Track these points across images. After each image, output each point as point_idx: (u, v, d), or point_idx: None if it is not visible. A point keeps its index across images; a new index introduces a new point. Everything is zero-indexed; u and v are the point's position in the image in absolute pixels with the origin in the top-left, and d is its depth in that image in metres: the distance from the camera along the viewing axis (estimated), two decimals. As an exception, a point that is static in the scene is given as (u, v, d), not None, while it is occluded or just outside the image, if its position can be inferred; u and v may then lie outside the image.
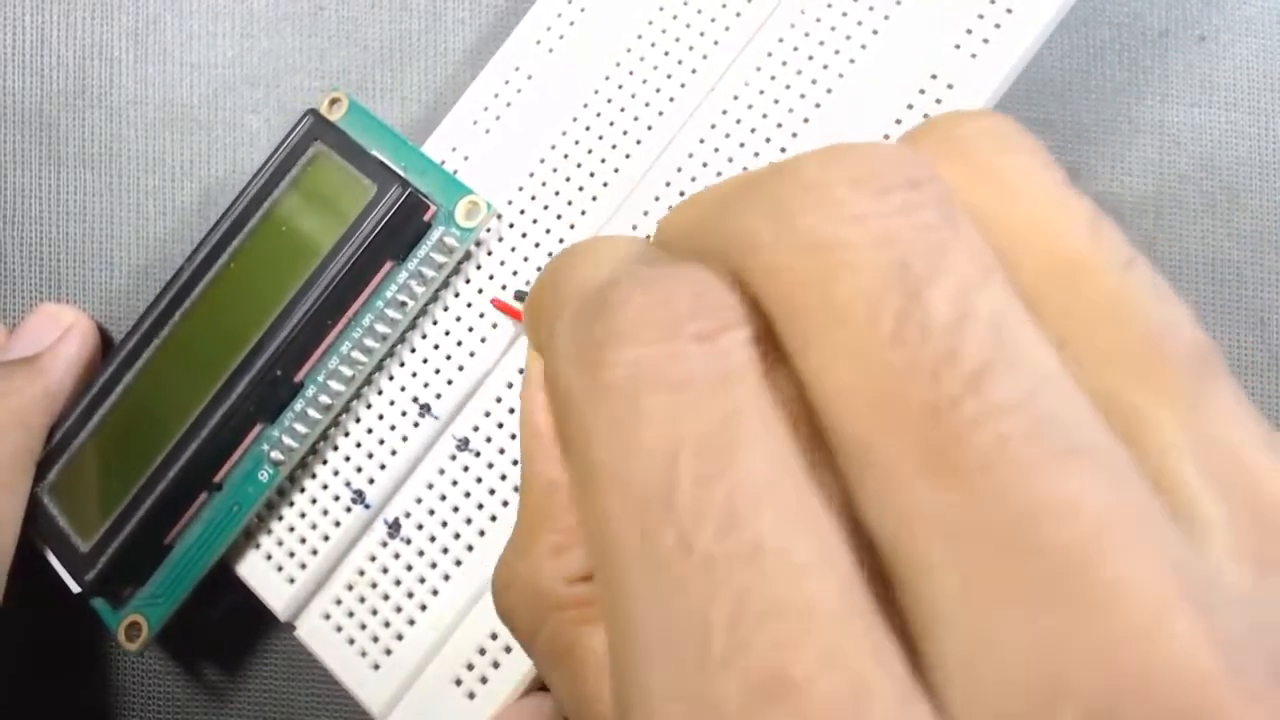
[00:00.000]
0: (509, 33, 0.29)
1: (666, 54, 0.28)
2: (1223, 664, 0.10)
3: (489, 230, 0.27)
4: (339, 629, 0.27)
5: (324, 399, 0.26)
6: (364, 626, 0.26)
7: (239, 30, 0.32)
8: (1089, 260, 0.13)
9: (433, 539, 0.26)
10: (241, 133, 0.32)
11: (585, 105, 0.28)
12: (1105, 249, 0.13)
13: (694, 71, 0.27)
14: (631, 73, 0.28)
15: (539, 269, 0.26)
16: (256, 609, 0.29)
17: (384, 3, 0.32)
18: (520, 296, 0.27)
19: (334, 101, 0.28)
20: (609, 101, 0.27)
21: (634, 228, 0.27)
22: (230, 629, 0.31)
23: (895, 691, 0.11)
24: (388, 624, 0.26)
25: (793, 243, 0.12)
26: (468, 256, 0.27)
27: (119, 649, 0.31)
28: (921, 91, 0.26)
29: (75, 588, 0.26)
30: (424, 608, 0.26)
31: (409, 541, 0.27)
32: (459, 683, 0.26)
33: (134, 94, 0.32)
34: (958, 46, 0.26)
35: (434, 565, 0.26)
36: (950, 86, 0.25)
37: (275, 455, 0.26)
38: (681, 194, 0.27)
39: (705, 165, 0.27)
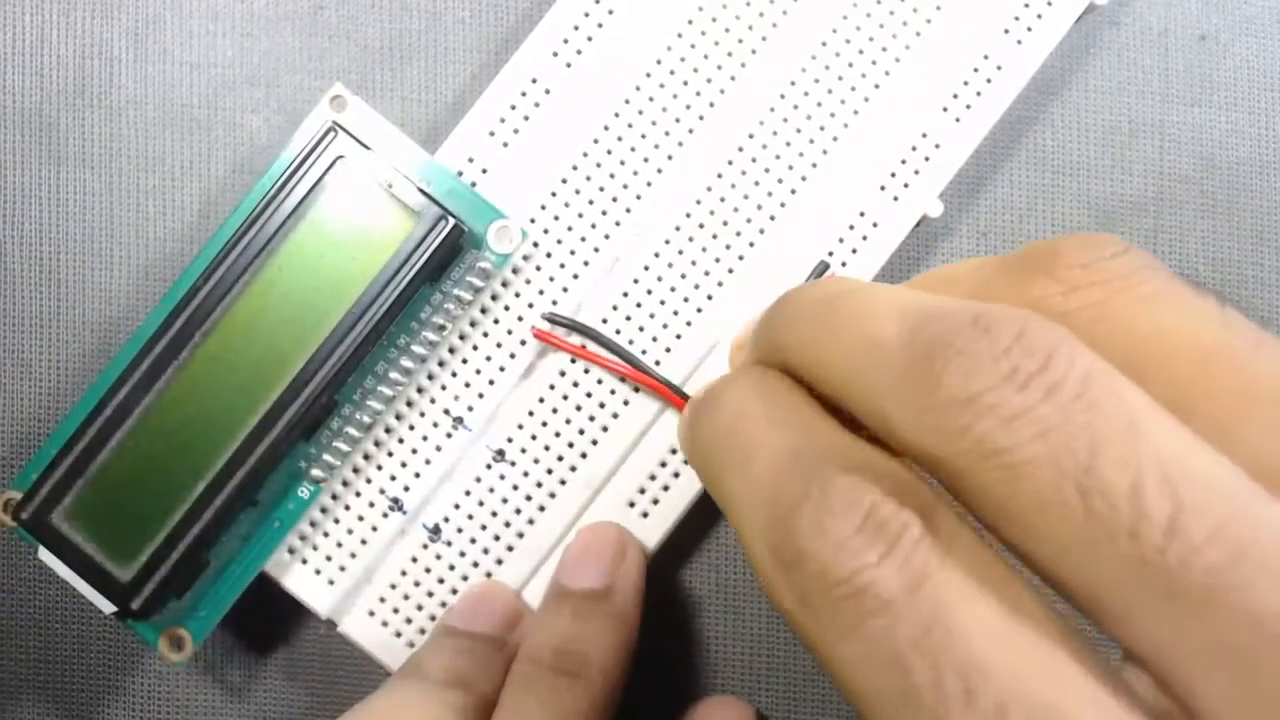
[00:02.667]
0: (513, 35, 0.34)
1: (690, 76, 0.31)
2: None
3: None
4: (385, 624, 0.30)
5: (364, 418, 0.30)
6: (410, 620, 0.30)
7: (239, 30, 0.34)
8: (1223, 349, 0.15)
9: (473, 540, 0.30)
10: (241, 133, 0.34)
11: (607, 127, 0.31)
12: (1236, 336, 0.15)
13: (722, 92, 0.31)
14: (652, 98, 0.31)
15: (565, 289, 0.30)
16: (263, 610, 0.32)
17: (384, 2, 0.35)
18: (551, 319, 0.30)
19: (335, 99, 0.30)
20: (630, 126, 0.31)
21: (656, 255, 0.30)
22: (235, 629, 0.33)
23: None
24: (433, 617, 0.30)
25: (971, 454, 0.14)
26: (494, 275, 0.30)
27: (118, 645, 0.33)
28: (914, 148, 0.30)
29: (109, 609, 0.28)
30: None
31: (450, 544, 0.30)
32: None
33: (134, 94, 0.34)
34: (945, 109, 0.30)
35: (476, 565, 0.30)
36: (938, 146, 0.30)
37: (316, 473, 0.30)
38: (712, 213, 0.30)
39: (734, 186, 0.30)
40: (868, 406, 0.17)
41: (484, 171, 0.30)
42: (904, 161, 0.30)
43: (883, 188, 0.30)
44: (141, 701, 0.33)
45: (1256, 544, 0.13)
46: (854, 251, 0.30)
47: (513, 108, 0.31)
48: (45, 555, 0.28)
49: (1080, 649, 0.14)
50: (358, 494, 0.30)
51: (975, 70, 0.31)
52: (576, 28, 0.31)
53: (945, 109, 0.30)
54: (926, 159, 0.30)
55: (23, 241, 0.34)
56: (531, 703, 0.26)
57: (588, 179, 0.30)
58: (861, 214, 0.30)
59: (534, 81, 0.31)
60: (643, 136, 0.30)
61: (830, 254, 0.30)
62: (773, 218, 0.30)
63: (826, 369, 0.18)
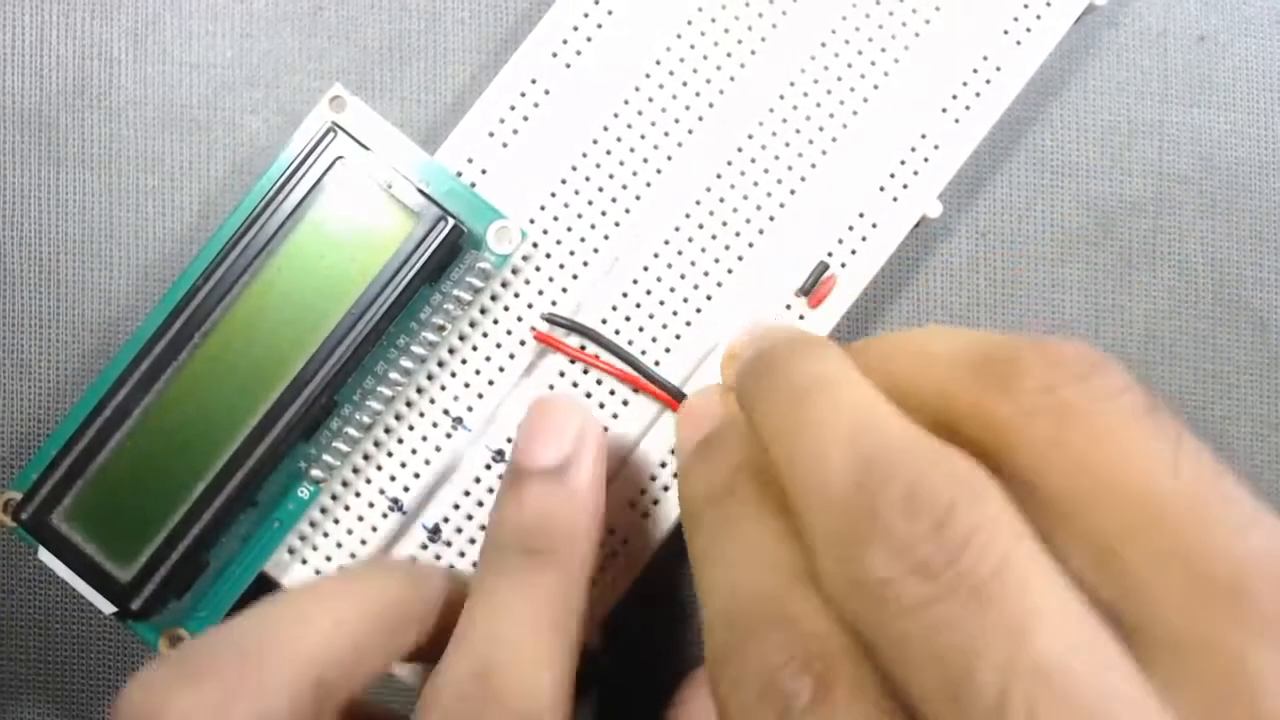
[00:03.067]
0: (512, 36, 0.33)
1: (689, 77, 0.31)
2: None
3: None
4: None
5: (363, 418, 0.30)
6: None
7: (238, 30, 0.34)
8: (1169, 503, 0.15)
9: (473, 541, 0.30)
10: (241, 133, 0.34)
11: (606, 127, 0.31)
12: (1185, 488, 0.16)
13: (721, 92, 0.31)
14: (651, 99, 0.31)
15: (564, 290, 0.30)
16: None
17: (383, 3, 0.35)
18: (550, 319, 0.30)
19: (335, 99, 0.30)
20: (629, 126, 0.31)
21: (656, 256, 0.30)
22: None
23: None
24: None
25: (870, 626, 0.16)
26: (496, 276, 0.30)
27: (120, 646, 0.33)
28: (913, 149, 0.30)
29: (109, 609, 0.28)
30: None
31: (449, 544, 0.30)
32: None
33: (133, 94, 0.34)
34: (944, 110, 0.30)
35: (475, 566, 0.29)
36: (936, 147, 0.30)
37: (315, 473, 0.30)
38: (711, 213, 0.30)
39: (733, 187, 0.30)
40: (806, 537, 0.17)
41: (483, 172, 0.30)
42: (903, 162, 0.30)
43: (882, 188, 0.30)
44: None
45: None
46: (853, 252, 0.30)
47: (512, 108, 0.31)
48: (45, 555, 0.28)
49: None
50: (357, 494, 0.30)
51: (974, 71, 0.30)
52: (576, 28, 0.31)
53: (944, 110, 0.30)
54: (925, 160, 0.30)
55: (23, 241, 0.34)
56: (504, 586, 0.25)
57: (587, 179, 0.30)
58: (861, 214, 0.30)
59: (533, 82, 0.31)
60: (642, 137, 0.30)
61: (830, 254, 0.30)
62: (772, 218, 0.30)
63: (784, 479, 0.18)
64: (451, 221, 0.28)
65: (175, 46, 0.34)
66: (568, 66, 0.31)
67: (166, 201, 0.34)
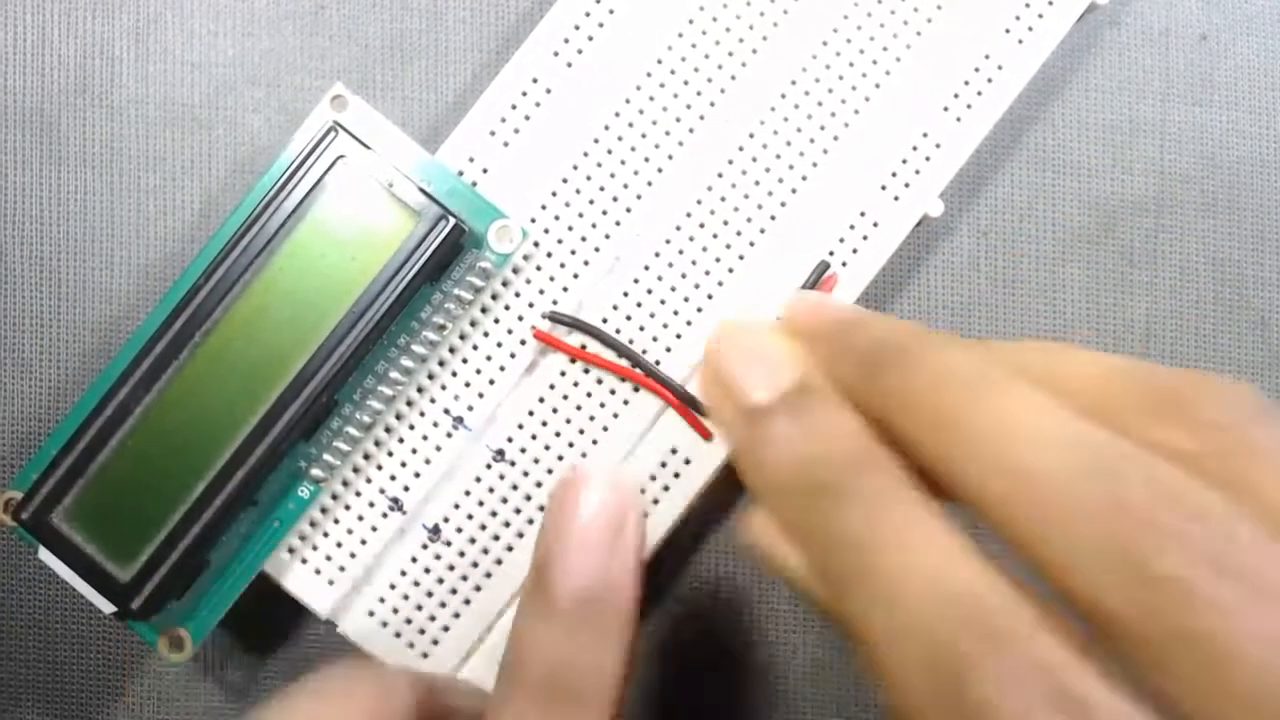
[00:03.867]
0: (514, 35, 0.33)
1: (690, 76, 0.30)
2: None
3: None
4: (384, 624, 0.30)
5: (364, 417, 0.29)
6: (409, 621, 0.30)
7: (240, 29, 0.34)
8: None
9: (473, 541, 0.30)
10: (242, 132, 0.34)
11: (607, 127, 0.30)
12: None
13: (723, 91, 0.30)
14: (653, 98, 0.30)
15: (565, 289, 0.30)
16: (265, 610, 0.32)
17: (385, 2, 0.34)
18: (552, 317, 0.30)
19: (336, 98, 0.30)
20: (630, 125, 0.30)
21: (657, 255, 0.30)
22: (238, 629, 0.33)
23: None
24: (433, 618, 0.30)
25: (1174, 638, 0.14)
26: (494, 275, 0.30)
27: (121, 646, 0.33)
28: (914, 148, 0.30)
29: (109, 609, 0.28)
30: (468, 602, 0.30)
31: (449, 544, 0.30)
32: (505, 669, 0.29)
33: (135, 93, 0.34)
34: (946, 109, 0.30)
35: (475, 565, 0.30)
36: (938, 146, 0.30)
37: (316, 472, 0.29)
38: (712, 212, 0.30)
39: (734, 186, 0.30)
40: (1044, 552, 0.16)
41: (485, 171, 0.30)
42: (905, 161, 0.30)
43: (883, 187, 0.30)
44: (142, 702, 0.33)
45: None
46: (855, 251, 0.30)
47: (513, 107, 0.30)
48: (45, 555, 0.28)
49: None
50: (358, 494, 0.30)
51: (976, 70, 0.30)
52: (577, 27, 0.30)
53: (946, 108, 0.30)
54: (927, 158, 0.30)
55: (23, 241, 0.33)
56: None
57: (588, 178, 0.30)
58: (862, 213, 0.30)
59: (535, 81, 0.30)
60: (643, 136, 0.30)
61: (831, 253, 0.30)
62: (773, 217, 0.30)
63: (964, 477, 0.17)
64: (453, 220, 0.28)
65: (177, 45, 0.34)
66: (569, 66, 0.30)
67: (168, 200, 0.34)
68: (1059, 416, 0.16)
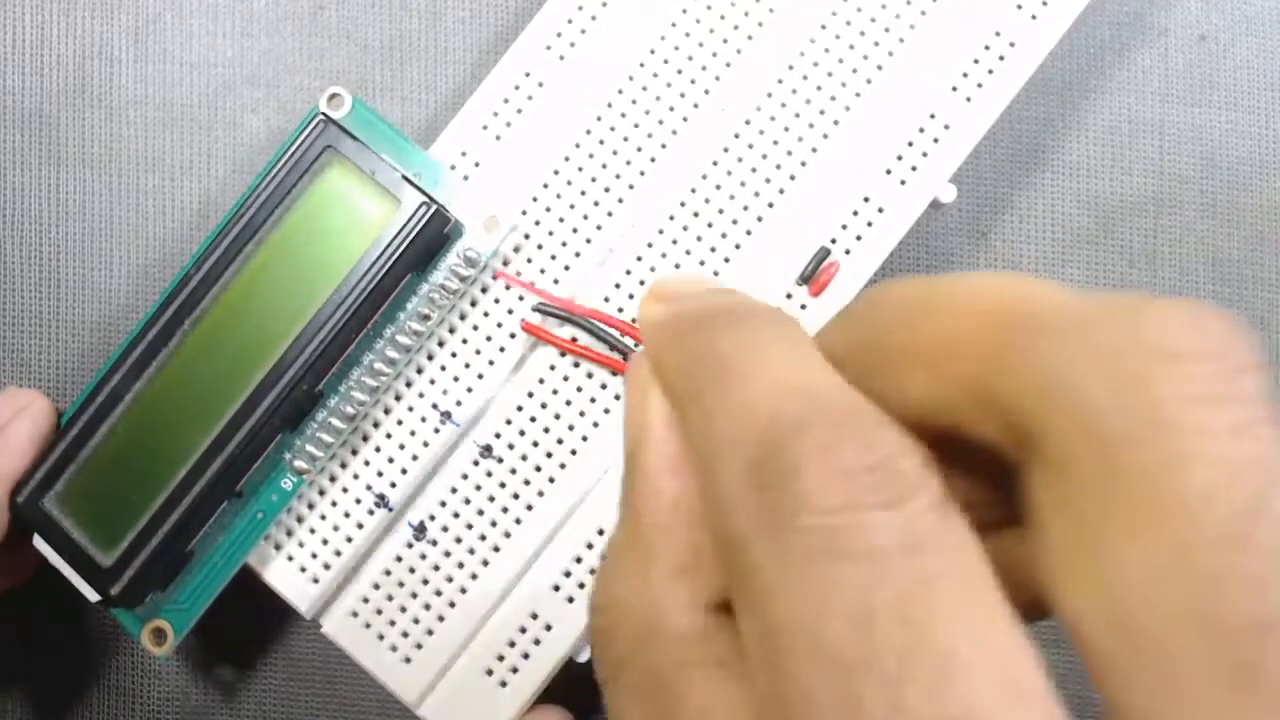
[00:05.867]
0: (511, 34, 0.29)
1: (684, 65, 0.27)
2: None
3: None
4: (367, 625, 0.27)
5: (348, 409, 0.27)
6: (393, 623, 0.27)
7: (239, 30, 0.32)
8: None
9: (459, 540, 0.27)
10: (241, 132, 0.32)
11: (599, 117, 0.27)
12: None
13: (717, 79, 0.27)
14: (645, 87, 0.27)
15: (556, 281, 0.27)
16: (260, 609, 0.29)
17: (384, 2, 0.32)
18: (541, 309, 0.26)
19: (333, 98, 0.27)
20: (623, 115, 0.27)
21: (650, 246, 0.27)
22: (234, 628, 0.31)
23: None
24: (417, 620, 0.27)
25: (1136, 418, 0.11)
26: (484, 267, 0.27)
27: (121, 647, 0.31)
28: (921, 130, 0.26)
29: (94, 596, 0.26)
30: (453, 604, 0.26)
31: (435, 543, 0.27)
32: (490, 673, 0.26)
33: (134, 94, 0.32)
34: (954, 89, 0.27)
35: (461, 565, 0.27)
36: (947, 127, 0.27)
37: (299, 464, 0.27)
38: (707, 200, 0.27)
39: (730, 174, 0.27)
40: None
41: (477, 165, 0.28)
42: (911, 144, 0.26)
43: (889, 171, 0.26)
44: (142, 702, 0.31)
45: None
46: (858, 238, 0.26)
47: (506, 101, 0.28)
48: (38, 542, 0.26)
49: (1050, 688, 0.12)
50: (344, 490, 0.27)
51: (986, 48, 0.26)
52: (570, 20, 0.28)
53: (955, 88, 0.26)
54: (935, 141, 0.26)
55: (23, 241, 0.32)
56: None
57: (580, 170, 0.27)
58: (866, 199, 0.26)
59: (527, 75, 0.28)
60: (636, 126, 0.27)
61: (833, 241, 0.26)
62: (771, 205, 0.26)
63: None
64: (434, 207, 0.26)
65: (176, 46, 0.32)
66: (561, 59, 0.28)
67: (167, 201, 0.32)
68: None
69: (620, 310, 0.27)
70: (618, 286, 0.27)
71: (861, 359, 0.15)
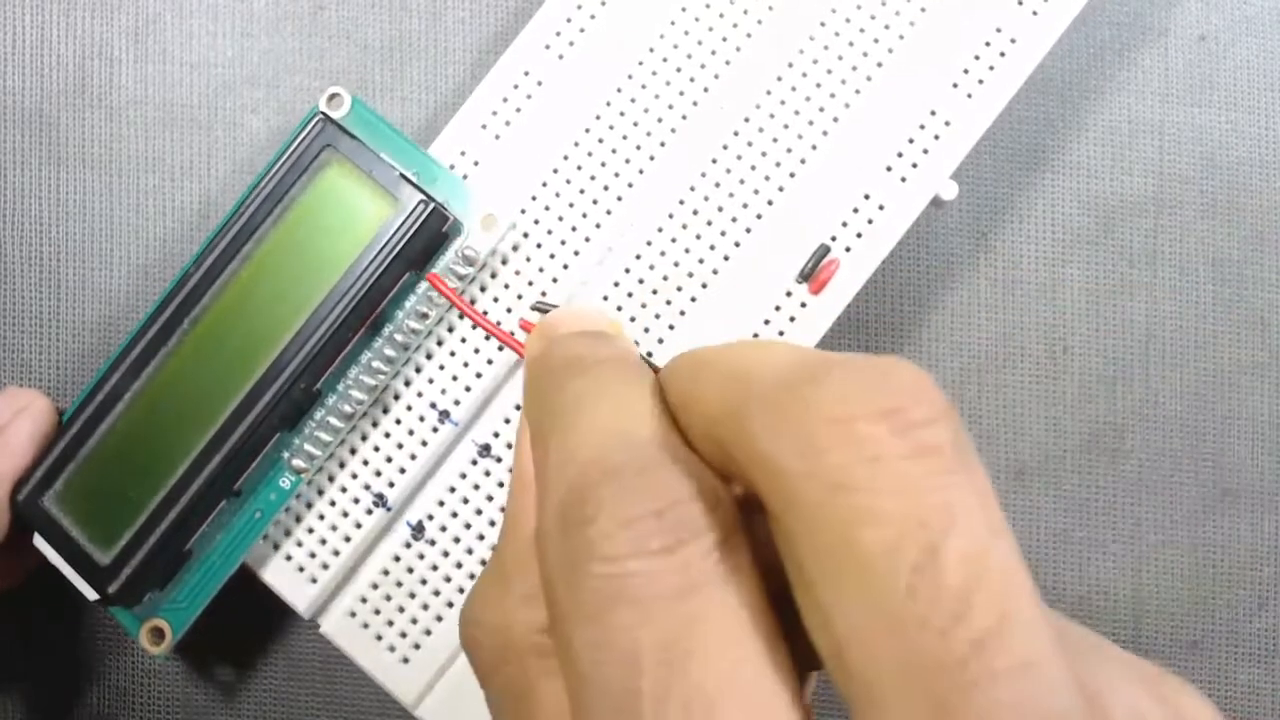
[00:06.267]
0: (511, 34, 0.29)
1: (682, 63, 0.27)
2: None
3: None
4: (365, 625, 0.26)
5: (346, 408, 0.26)
6: (391, 623, 0.26)
7: (239, 30, 0.31)
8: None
9: (457, 540, 0.26)
10: (241, 133, 0.31)
11: (598, 117, 0.27)
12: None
13: (716, 76, 0.27)
14: (644, 85, 0.27)
15: (555, 280, 0.27)
16: (260, 609, 0.29)
17: (384, 3, 0.31)
18: (539, 308, 0.26)
19: (333, 98, 0.27)
20: (622, 114, 0.27)
21: (649, 244, 0.26)
22: (233, 628, 0.30)
23: None
24: (415, 620, 0.26)
25: (818, 481, 0.12)
26: (482, 265, 0.27)
27: (121, 647, 0.31)
28: (922, 127, 0.26)
29: (92, 595, 0.26)
30: (451, 605, 0.26)
31: (433, 543, 0.26)
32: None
33: (134, 94, 0.31)
34: (955, 85, 0.26)
35: (459, 565, 0.26)
36: (948, 124, 0.26)
37: (297, 463, 0.26)
38: (706, 198, 0.26)
39: (729, 171, 0.27)
40: (733, 424, 0.14)
41: (476, 164, 0.27)
42: (912, 141, 0.26)
43: (889, 168, 0.26)
44: (141, 702, 0.30)
45: (1046, 706, 0.11)
46: (859, 236, 0.26)
47: (505, 100, 0.27)
48: (38, 540, 0.26)
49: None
50: (342, 489, 0.26)
51: (987, 44, 0.26)
52: (569, 19, 0.27)
53: (955, 85, 0.26)
54: (936, 137, 0.26)
55: (23, 241, 0.31)
56: None
57: (579, 168, 0.27)
58: (866, 196, 0.26)
59: (526, 74, 0.27)
60: (635, 124, 0.27)
61: (833, 239, 0.26)
62: (771, 202, 0.26)
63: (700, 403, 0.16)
64: (432, 206, 0.25)
65: (176, 46, 0.31)
66: (560, 58, 0.27)
67: (167, 201, 0.31)
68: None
69: (619, 309, 0.26)
70: (616, 285, 0.26)
71: (678, 414, 0.16)
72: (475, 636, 0.17)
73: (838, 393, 0.13)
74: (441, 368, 0.26)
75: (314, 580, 0.26)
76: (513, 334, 0.26)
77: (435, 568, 0.26)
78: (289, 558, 0.26)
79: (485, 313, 0.26)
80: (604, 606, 0.13)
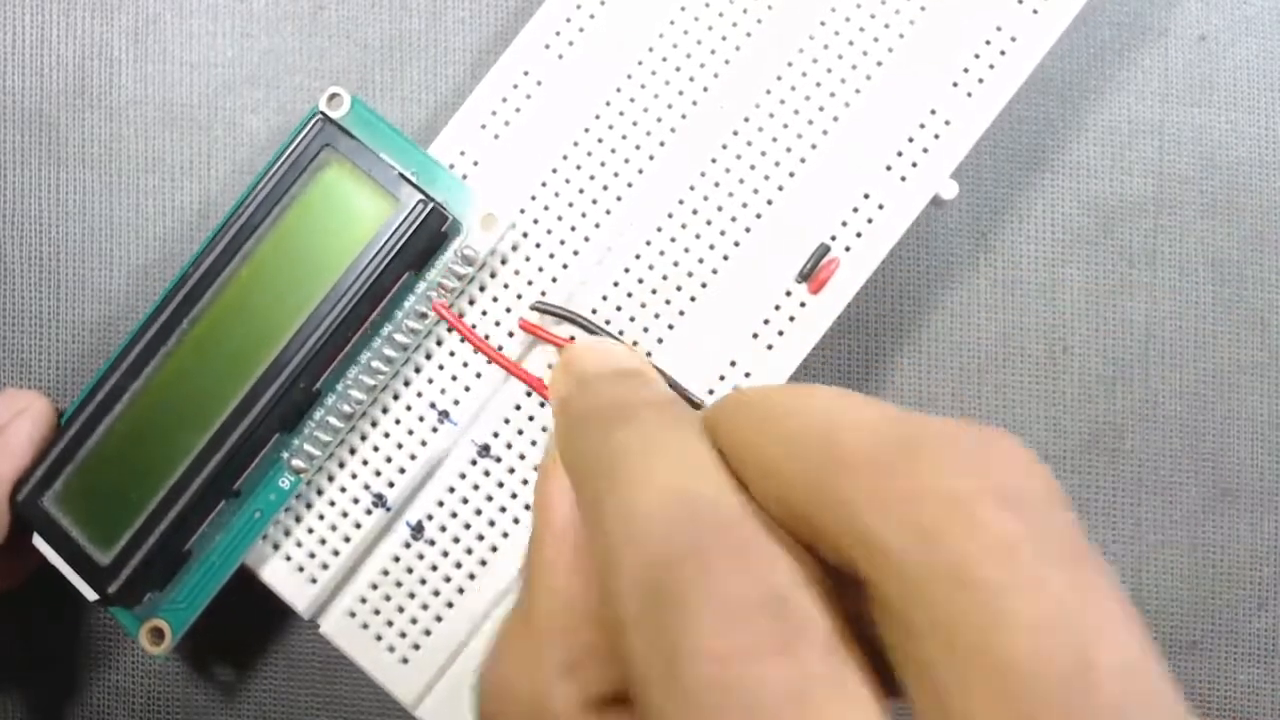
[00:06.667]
0: (511, 34, 0.29)
1: (682, 63, 0.27)
2: None
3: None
4: (365, 625, 0.26)
5: (345, 408, 0.26)
6: (391, 623, 0.26)
7: (239, 30, 0.31)
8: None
9: (456, 540, 0.26)
10: (241, 132, 0.31)
11: (597, 116, 0.27)
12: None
13: (716, 76, 0.26)
14: (644, 85, 0.27)
15: (554, 280, 0.26)
16: (260, 609, 0.29)
17: (384, 2, 0.31)
18: (538, 308, 0.26)
19: (333, 97, 0.27)
20: (621, 113, 0.27)
21: (648, 244, 0.26)
22: (233, 628, 0.30)
23: None
24: (415, 620, 0.26)
25: (940, 571, 0.11)
26: (482, 265, 0.26)
27: (121, 647, 0.30)
28: (922, 126, 0.26)
29: (92, 595, 0.26)
30: (450, 605, 0.26)
31: (433, 543, 0.26)
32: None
33: (134, 94, 0.31)
34: (955, 84, 0.26)
35: (459, 565, 0.26)
36: (948, 123, 0.26)
37: (296, 463, 0.26)
38: (705, 198, 0.26)
39: (728, 171, 0.26)
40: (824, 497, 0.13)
41: (475, 164, 0.27)
42: (911, 140, 0.26)
43: (889, 168, 0.26)
44: (141, 702, 0.30)
45: None
46: (858, 235, 0.26)
47: (504, 100, 0.27)
48: (37, 541, 0.26)
49: None
50: (342, 489, 0.26)
51: (987, 43, 0.26)
52: (569, 19, 0.27)
53: (955, 84, 0.26)
54: (936, 136, 0.26)
55: (23, 241, 0.31)
56: None
57: (578, 167, 0.26)
58: (866, 196, 0.26)
59: (525, 74, 0.27)
60: (634, 124, 0.26)
61: (833, 238, 0.26)
62: (770, 202, 0.26)
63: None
64: (430, 205, 0.25)
65: (176, 46, 0.31)
66: (560, 58, 0.27)
67: (166, 201, 0.31)
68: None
69: (618, 308, 0.26)
70: (616, 285, 0.26)
71: (732, 462, 0.14)
72: (501, 707, 0.15)
73: (944, 466, 0.12)
74: (441, 368, 0.26)
75: (313, 580, 0.26)
76: (528, 367, 0.26)
77: (435, 568, 0.26)
78: (288, 558, 0.26)
79: (497, 345, 0.26)
80: (714, 710, 0.12)
